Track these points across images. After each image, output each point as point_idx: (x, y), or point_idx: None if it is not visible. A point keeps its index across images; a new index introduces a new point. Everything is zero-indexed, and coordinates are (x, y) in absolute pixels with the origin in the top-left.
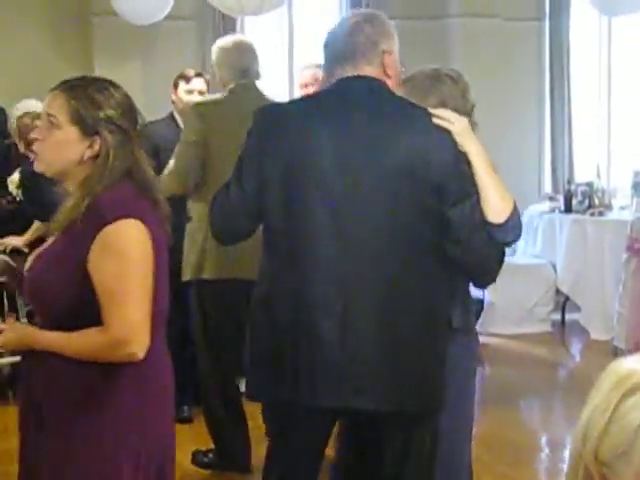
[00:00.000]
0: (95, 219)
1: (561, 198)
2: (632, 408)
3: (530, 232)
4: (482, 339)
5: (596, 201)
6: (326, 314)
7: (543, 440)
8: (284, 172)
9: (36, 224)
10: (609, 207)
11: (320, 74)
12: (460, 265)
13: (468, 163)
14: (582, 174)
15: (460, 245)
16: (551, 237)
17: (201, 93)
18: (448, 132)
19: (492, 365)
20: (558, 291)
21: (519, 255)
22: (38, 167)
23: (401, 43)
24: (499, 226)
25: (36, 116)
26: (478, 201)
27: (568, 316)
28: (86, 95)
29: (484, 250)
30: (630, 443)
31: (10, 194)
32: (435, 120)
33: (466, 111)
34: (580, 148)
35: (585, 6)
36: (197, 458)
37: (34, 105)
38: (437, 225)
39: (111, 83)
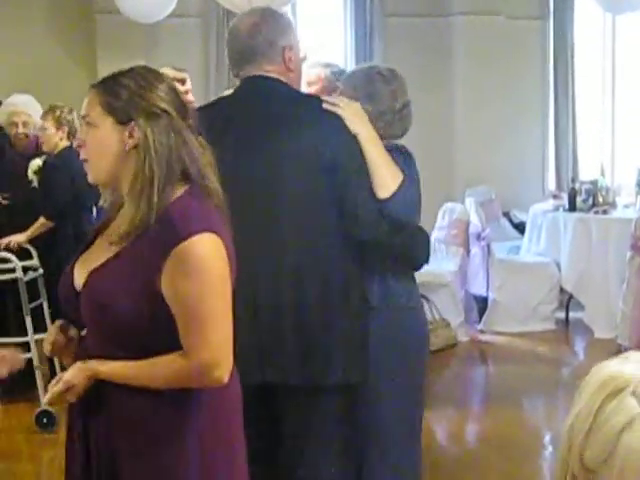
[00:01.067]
0: (167, 233)
1: (565, 196)
2: (613, 413)
3: (534, 230)
4: (486, 337)
5: (600, 199)
6: (240, 298)
7: (547, 438)
8: None
9: (41, 220)
10: (613, 205)
11: (325, 73)
12: (367, 244)
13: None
14: (586, 172)
15: (356, 222)
16: (555, 235)
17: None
18: (338, 118)
19: (496, 363)
20: (562, 289)
21: (523, 253)
22: (91, 177)
23: (404, 41)
24: (386, 200)
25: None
26: (368, 179)
27: (572, 314)
28: (116, 84)
29: (377, 226)
30: (612, 449)
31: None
32: (325, 105)
33: (393, 110)
34: (584, 146)
35: (589, 4)
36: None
37: (22, 100)
38: (338, 208)
39: (149, 70)
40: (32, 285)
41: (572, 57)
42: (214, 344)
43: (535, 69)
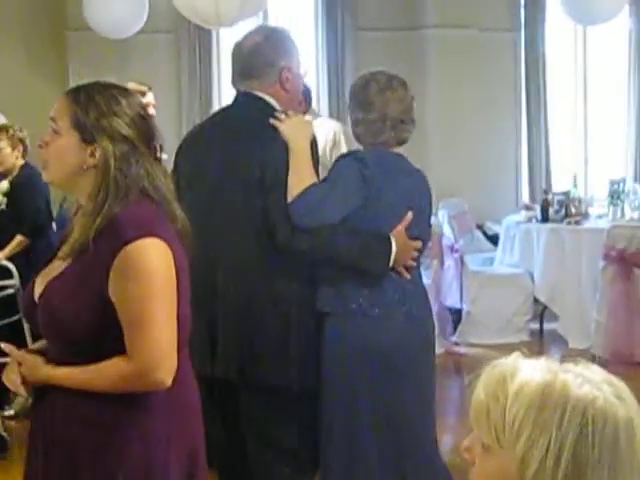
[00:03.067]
0: (113, 239)
1: (538, 208)
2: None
3: (507, 242)
4: (461, 349)
5: (573, 210)
6: (199, 294)
7: None
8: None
9: (18, 238)
10: (586, 216)
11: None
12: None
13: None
14: (560, 184)
15: (273, 229)
16: (528, 247)
17: (154, 107)
18: (276, 132)
19: (471, 375)
20: (536, 300)
21: (497, 265)
22: (45, 177)
23: (376, 54)
24: (289, 204)
25: None
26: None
27: (546, 325)
28: (89, 99)
29: (285, 233)
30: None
31: None
32: (271, 120)
33: (384, 119)
34: (557, 158)
35: (560, 16)
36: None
37: None
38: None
39: (124, 91)
40: (10, 301)
41: (544, 68)
42: (154, 347)
43: (507, 81)
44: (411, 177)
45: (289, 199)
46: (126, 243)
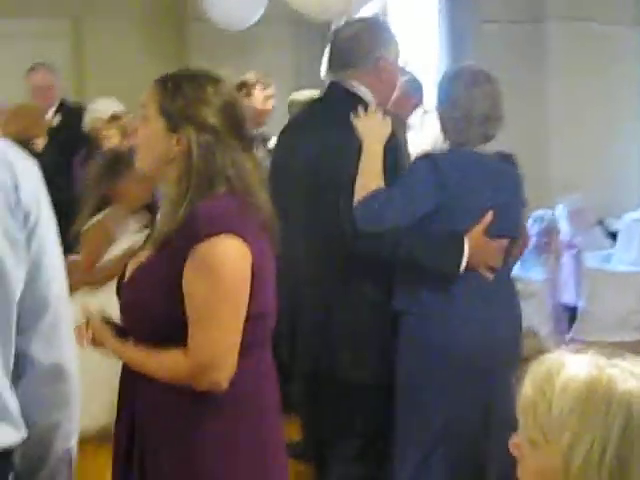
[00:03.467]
0: (190, 234)
1: None
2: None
3: (626, 239)
4: (576, 347)
5: None
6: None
7: None
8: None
9: None
10: None
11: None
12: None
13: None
14: None
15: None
16: None
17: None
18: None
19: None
20: None
21: (615, 262)
22: (137, 164)
23: (498, 46)
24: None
25: (106, 121)
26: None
27: None
28: (176, 87)
29: (350, 233)
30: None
31: None
32: (352, 118)
33: (469, 116)
34: None
35: None
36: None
37: (105, 104)
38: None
39: (214, 79)
40: None
41: None
42: (213, 347)
43: (632, 76)
44: (493, 175)
45: (354, 203)
46: (200, 240)
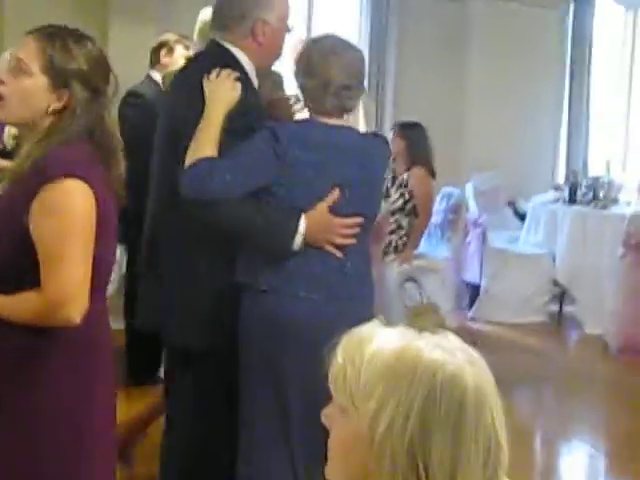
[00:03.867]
0: (39, 175)
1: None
2: None
3: (533, 221)
4: (476, 325)
5: (601, 194)
6: None
7: (532, 427)
8: None
9: None
10: (615, 202)
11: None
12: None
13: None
14: (598, 168)
15: None
16: (552, 228)
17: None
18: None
19: (483, 352)
20: (556, 282)
21: (521, 244)
22: (1, 116)
23: (420, 21)
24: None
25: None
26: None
27: (566, 308)
28: (62, 45)
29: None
30: None
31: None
32: (204, 79)
33: (325, 86)
34: (597, 141)
35: None
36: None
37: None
38: None
39: (88, 37)
40: None
41: (590, 49)
42: (65, 282)
43: (551, 59)
44: (344, 151)
45: (184, 167)
46: (48, 181)
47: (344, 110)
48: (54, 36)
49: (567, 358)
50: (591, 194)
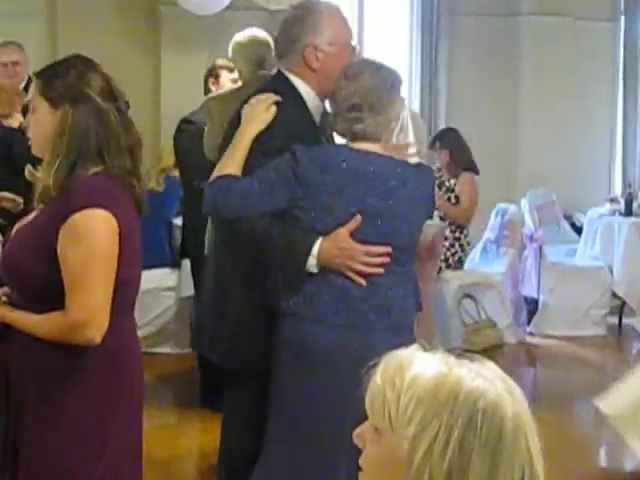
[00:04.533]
0: (65, 203)
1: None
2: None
3: (590, 234)
4: (535, 340)
5: None
6: None
7: (594, 443)
8: None
9: None
10: None
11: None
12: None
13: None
14: None
15: None
16: (609, 240)
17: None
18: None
19: (543, 366)
20: (615, 295)
21: (578, 257)
22: (34, 151)
23: (471, 40)
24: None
25: None
26: None
27: (625, 320)
28: (52, 72)
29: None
30: None
31: None
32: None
33: (342, 110)
34: None
35: None
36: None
37: None
38: None
39: (85, 61)
40: None
41: None
42: (87, 306)
43: (604, 71)
44: (364, 178)
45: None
46: (74, 211)
47: (353, 134)
48: (45, 69)
49: (627, 371)
50: None
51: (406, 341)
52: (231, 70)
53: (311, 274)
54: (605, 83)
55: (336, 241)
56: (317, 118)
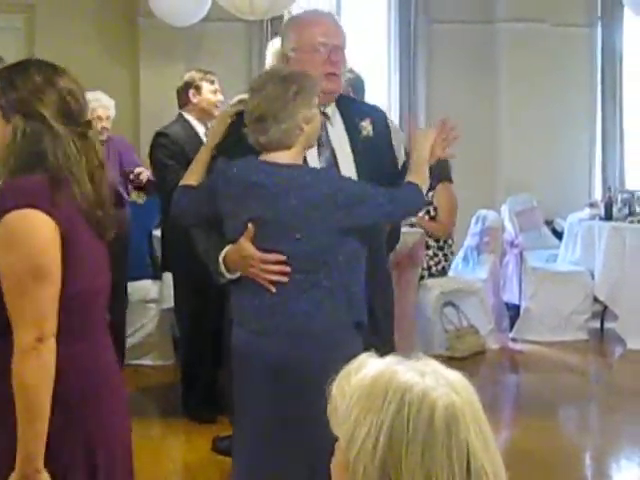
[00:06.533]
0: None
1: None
2: None
3: (570, 239)
4: (517, 346)
5: (637, 209)
6: None
7: (577, 449)
8: None
9: None
10: None
11: None
12: None
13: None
14: (634, 183)
15: None
16: (590, 244)
17: (221, 93)
18: None
19: (526, 372)
20: (596, 299)
21: (559, 262)
22: None
23: (449, 47)
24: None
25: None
26: None
27: (607, 324)
28: (7, 81)
29: None
30: None
31: None
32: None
33: (250, 121)
34: (633, 156)
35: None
36: (217, 444)
37: (101, 96)
38: None
39: (46, 71)
40: None
41: (621, 65)
42: (31, 321)
43: (582, 77)
44: (254, 186)
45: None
46: (6, 212)
47: (260, 145)
48: (4, 73)
49: (610, 375)
50: (627, 209)
51: (310, 349)
52: (212, 82)
53: (236, 280)
54: (584, 88)
55: (237, 249)
56: None
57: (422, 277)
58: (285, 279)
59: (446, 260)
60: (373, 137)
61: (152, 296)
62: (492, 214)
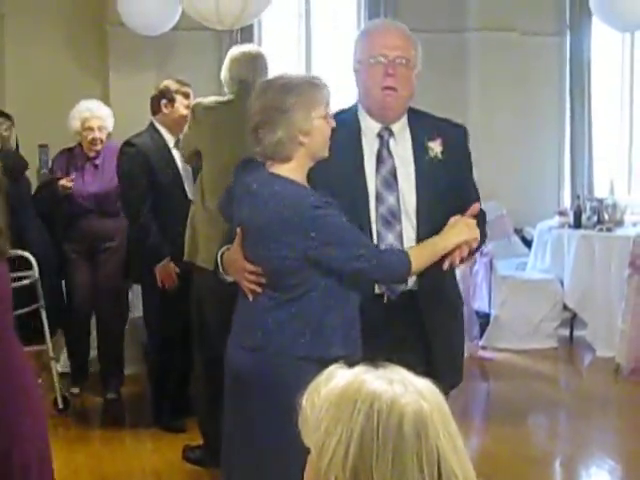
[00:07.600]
0: None
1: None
2: None
3: (540, 247)
4: (488, 354)
5: (606, 217)
6: None
7: (547, 456)
8: None
9: None
10: (620, 223)
11: None
12: None
13: None
14: (603, 190)
15: None
16: (559, 252)
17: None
18: None
19: (496, 380)
20: (566, 307)
21: (529, 270)
22: None
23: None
24: None
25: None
26: None
27: (577, 332)
28: None
29: None
30: None
31: None
32: None
33: (249, 130)
34: (601, 164)
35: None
36: (188, 454)
37: (96, 106)
38: None
39: None
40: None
41: (589, 74)
42: None
43: (551, 86)
44: (242, 195)
45: None
46: None
47: (257, 154)
48: None
49: (580, 382)
50: (596, 217)
51: (269, 365)
52: (187, 96)
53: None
54: (553, 97)
55: (231, 253)
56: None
57: None
58: (259, 290)
59: None
60: (443, 159)
61: None
62: None
